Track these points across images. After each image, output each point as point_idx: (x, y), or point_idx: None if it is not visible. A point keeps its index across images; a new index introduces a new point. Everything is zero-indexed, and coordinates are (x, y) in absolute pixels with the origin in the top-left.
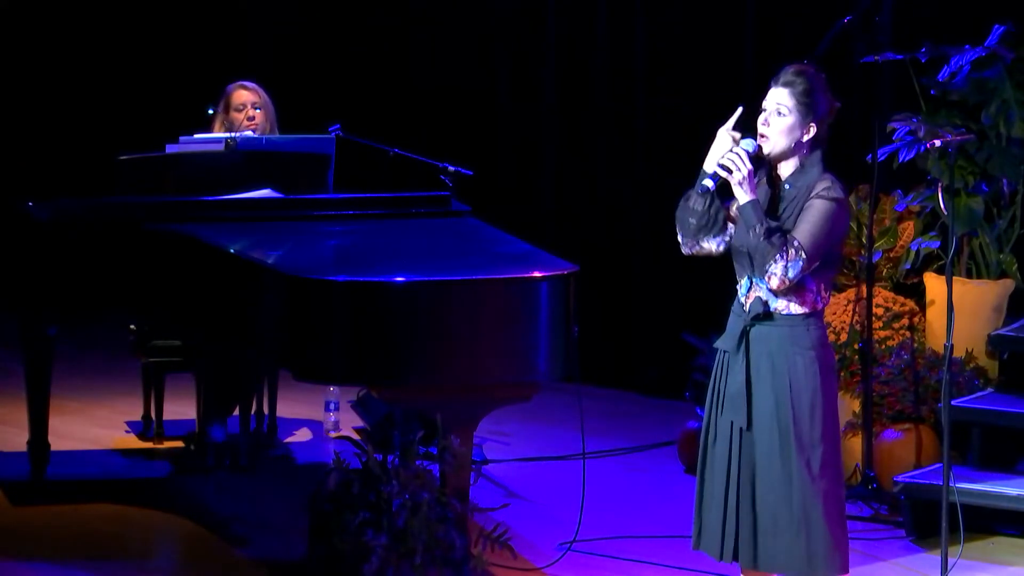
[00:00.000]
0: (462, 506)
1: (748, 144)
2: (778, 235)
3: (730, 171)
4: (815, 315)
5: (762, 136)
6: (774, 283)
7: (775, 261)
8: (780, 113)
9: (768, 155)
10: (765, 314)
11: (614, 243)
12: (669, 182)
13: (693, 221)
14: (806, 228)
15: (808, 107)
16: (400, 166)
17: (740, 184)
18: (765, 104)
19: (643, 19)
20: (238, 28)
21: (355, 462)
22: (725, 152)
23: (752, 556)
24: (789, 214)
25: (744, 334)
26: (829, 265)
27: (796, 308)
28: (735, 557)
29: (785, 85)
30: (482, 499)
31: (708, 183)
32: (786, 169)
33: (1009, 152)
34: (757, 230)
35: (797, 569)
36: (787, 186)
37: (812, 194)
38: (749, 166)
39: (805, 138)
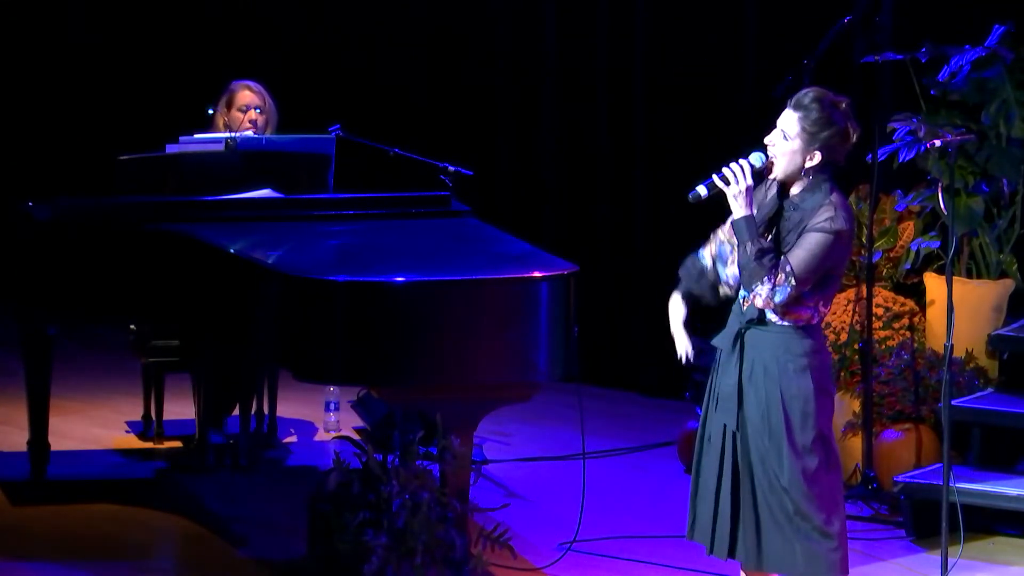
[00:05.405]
0: (462, 506)
1: (756, 158)
2: (770, 256)
3: (727, 183)
4: (810, 327)
5: (771, 156)
6: (759, 303)
7: (762, 283)
8: (785, 136)
9: (776, 173)
10: (760, 320)
11: (614, 243)
12: (670, 181)
13: (685, 285)
14: (800, 255)
15: (813, 136)
16: (400, 166)
17: (735, 197)
18: (777, 122)
19: (643, 18)
20: (238, 28)
21: (355, 462)
22: (730, 162)
23: (756, 557)
24: (791, 234)
25: (739, 335)
26: (830, 283)
27: (791, 321)
28: (731, 554)
29: (797, 109)
30: (482, 499)
31: (701, 190)
32: (794, 188)
33: (1009, 152)
34: (748, 249)
35: (797, 570)
36: (792, 207)
37: (812, 222)
38: (749, 182)
39: (808, 163)
